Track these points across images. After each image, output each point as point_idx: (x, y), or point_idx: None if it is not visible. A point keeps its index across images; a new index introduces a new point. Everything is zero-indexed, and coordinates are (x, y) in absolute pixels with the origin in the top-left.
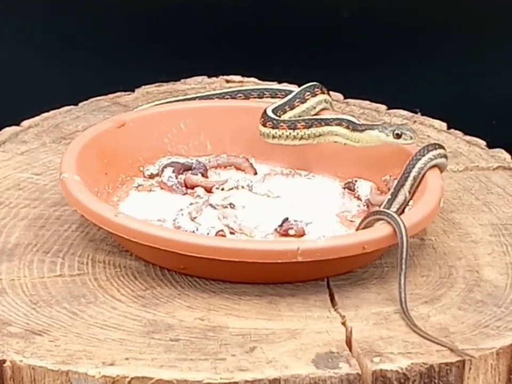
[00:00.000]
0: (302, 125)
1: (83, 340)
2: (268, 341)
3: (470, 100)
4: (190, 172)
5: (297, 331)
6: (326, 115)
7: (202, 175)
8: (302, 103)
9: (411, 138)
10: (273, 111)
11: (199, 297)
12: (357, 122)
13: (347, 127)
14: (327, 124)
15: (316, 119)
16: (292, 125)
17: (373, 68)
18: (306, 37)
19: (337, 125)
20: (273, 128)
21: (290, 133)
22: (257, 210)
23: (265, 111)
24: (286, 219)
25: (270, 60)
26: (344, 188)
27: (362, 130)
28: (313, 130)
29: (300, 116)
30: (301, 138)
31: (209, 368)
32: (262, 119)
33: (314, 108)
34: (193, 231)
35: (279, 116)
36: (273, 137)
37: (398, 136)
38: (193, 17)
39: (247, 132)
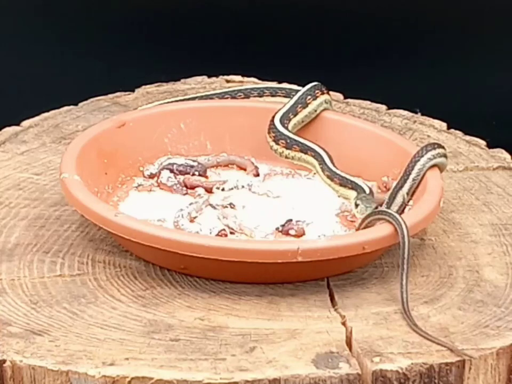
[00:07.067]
0: (311, 154)
1: (83, 340)
2: (268, 341)
3: (470, 99)
4: (187, 174)
5: (297, 331)
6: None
7: (201, 175)
8: (304, 107)
9: (361, 214)
10: (281, 121)
11: (199, 297)
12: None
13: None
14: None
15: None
16: (304, 150)
17: (373, 68)
18: (307, 37)
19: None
20: (286, 148)
21: (301, 156)
22: (257, 210)
23: (273, 122)
24: (290, 220)
25: (270, 60)
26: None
27: (348, 188)
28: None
29: (303, 121)
30: (309, 162)
31: (209, 368)
32: (273, 135)
33: (315, 110)
34: (197, 232)
35: (286, 126)
36: (286, 157)
37: (356, 205)
38: (193, 17)
39: (247, 131)
